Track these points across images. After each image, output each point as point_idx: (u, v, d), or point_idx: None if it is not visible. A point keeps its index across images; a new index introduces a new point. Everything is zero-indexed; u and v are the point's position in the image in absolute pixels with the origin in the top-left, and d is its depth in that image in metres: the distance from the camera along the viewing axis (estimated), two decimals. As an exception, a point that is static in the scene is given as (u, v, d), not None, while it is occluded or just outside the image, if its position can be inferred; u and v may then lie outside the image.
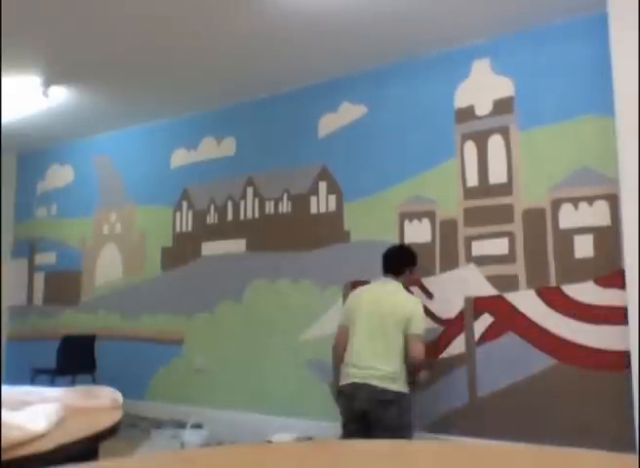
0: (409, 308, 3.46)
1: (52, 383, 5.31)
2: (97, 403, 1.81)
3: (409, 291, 3.78)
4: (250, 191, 5.23)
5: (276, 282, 4.96)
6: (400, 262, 3.72)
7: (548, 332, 3.79)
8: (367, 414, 3.35)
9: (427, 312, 3.90)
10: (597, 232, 3.72)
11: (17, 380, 5.92)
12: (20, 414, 1.44)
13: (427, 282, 4.25)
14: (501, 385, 3.88)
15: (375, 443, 1.34)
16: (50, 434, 1.43)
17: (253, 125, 5.31)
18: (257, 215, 5.17)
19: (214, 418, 4.96)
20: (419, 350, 3.40)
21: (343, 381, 3.45)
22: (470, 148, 4.22)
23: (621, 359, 3.51)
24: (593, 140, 3.79)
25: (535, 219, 3.93)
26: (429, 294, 4.13)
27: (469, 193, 4.19)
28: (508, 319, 3.93)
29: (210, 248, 5.41)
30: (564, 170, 3.87)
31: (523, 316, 3.88)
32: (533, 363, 3.80)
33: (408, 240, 4.36)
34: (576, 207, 3.80)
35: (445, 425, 4.05)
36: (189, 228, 5.58)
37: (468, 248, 4.13)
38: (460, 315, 4.10)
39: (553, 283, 3.82)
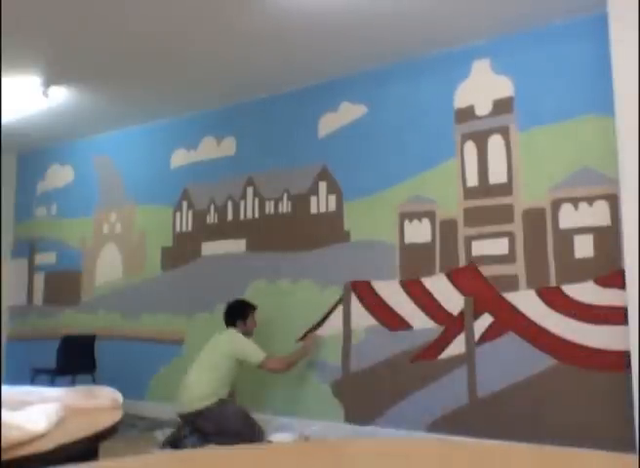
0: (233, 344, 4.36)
1: (52, 383, 5.30)
2: (97, 403, 1.81)
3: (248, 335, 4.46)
4: (250, 191, 5.23)
5: (276, 282, 4.96)
6: (232, 316, 4.52)
7: (548, 332, 3.79)
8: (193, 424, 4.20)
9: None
10: (597, 232, 3.72)
11: (17, 380, 5.92)
12: (20, 414, 1.44)
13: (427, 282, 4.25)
14: (501, 385, 3.88)
15: (375, 442, 1.35)
16: (50, 434, 1.43)
17: (253, 125, 5.31)
18: (257, 215, 5.17)
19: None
20: (273, 367, 4.39)
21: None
22: (470, 148, 4.22)
23: (621, 359, 3.51)
24: (593, 140, 3.79)
25: (535, 219, 3.93)
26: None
27: (469, 193, 4.19)
28: (508, 319, 3.93)
29: (210, 248, 5.41)
30: (564, 170, 3.87)
31: (523, 316, 3.88)
32: (533, 363, 3.80)
33: (408, 240, 4.37)
34: (576, 207, 3.80)
35: (445, 425, 4.05)
36: (189, 228, 5.58)
37: (468, 248, 4.13)
38: (460, 315, 4.10)
39: (553, 283, 3.82)
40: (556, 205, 3.87)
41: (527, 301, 3.88)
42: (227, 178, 5.37)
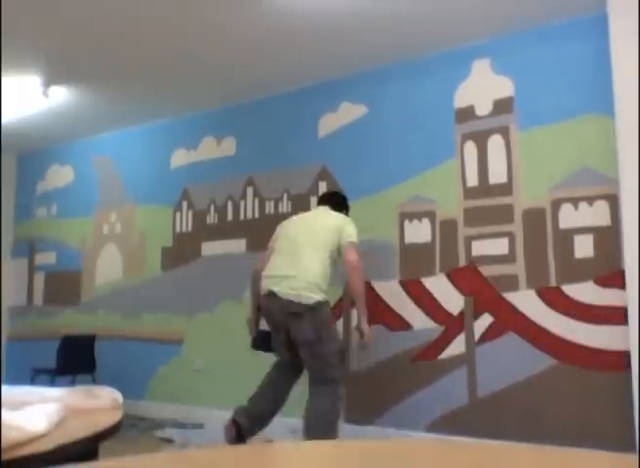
0: (339, 222, 3.67)
1: (52, 383, 5.31)
2: (97, 403, 1.80)
3: None
4: (250, 191, 5.23)
5: (276, 282, 4.95)
6: (335, 201, 3.94)
7: (548, 332, 3.79)
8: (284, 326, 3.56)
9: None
10: (597, 232, 3.72)
11: (17, 380, 5.92)
12: (19, 414, 1.44)
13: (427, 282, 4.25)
14: (501, 385, 3.88)
15: (374, 442, 1.34)
16: (50, 434, 1.42)
17: (253, 125, 5.31)
18: (257, 215, 5.17)
19: (214, 418, 4.96)
20: (352, 256, 3.56)
21: (263, 292, 3.63)
22: (470, 148, 4.22)
23: (621, 359, 3.51)
24: (593, 140, 3.79)
25: (535, 219, 3.93)
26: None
27: (469, 193, 4.19)
28: (508, 319, 3.93)
29: (210, 248, 5.41)
30: (564, 170, 3.87)
31: (523, 316, 3.88)
32: (533, 363, 3.80)
33: (408, 240, 4.37)
34: (576, 207, 3.80)
35: (445, 425, 4.05)
36: (189, 228, 5.58)
37: (468, 248, 4.13)
38: (460, 315, 4.10)
39: (553, 283, 3.82)
40: (556, 205, 3.87)
41: (527, 301, 3.88)
42: (227, 178, 5.37)
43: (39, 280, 6.70)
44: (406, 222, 4.40)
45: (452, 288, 4.15)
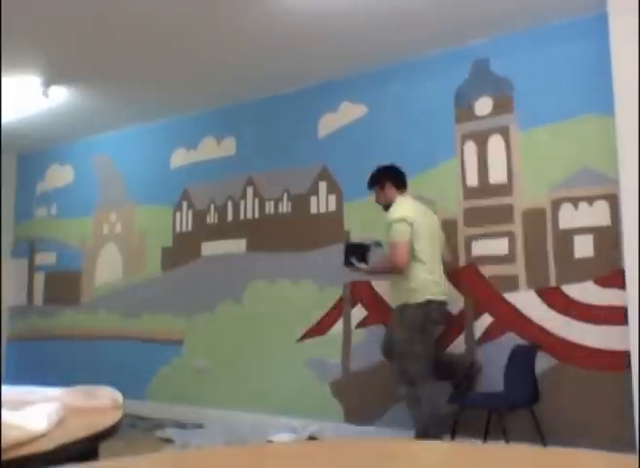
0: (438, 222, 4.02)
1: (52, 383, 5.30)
2: (97, 403, 1.80)
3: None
4: (250, 191, 5.22)
5: (276, 282, 4.96)
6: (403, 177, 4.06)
7: (548, 332, 3.79)
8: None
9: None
10: (597, 232, 3.72)
11: (17, 380, 5.91)
12: (20, 414, 1.44)
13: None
14: (501, 386, 3.88)
15: (375, 443, 1.34)
16: (50, 434, 1.42)
17: (253, 125, 5.30)
18: (257, 216, 5.16)
19: (214, 418, 4.95)
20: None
21: (428, 297, 3.73)
22: (470, 148, 4.21)
23: (621, 359, 3.51)
24: (593, 140, 3.78)
25: (535, 219, 3.93)
26: None
27: (469, 193, 4.19)
28: (508, 319, 3.93)
29: (210, 248, 5.41)
30: (564, 170, 3.86)
31: (523, 316, 3.88)
32: (533, 363, 3.79)
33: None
34: (576, 207, 3.80)
35: (445, 426, 4.04)
36: (189, 228, 5.58)
37: (468, 248, 4.13)
38: (460, 315, 4.09)
39: (553, 283, 3.82)
40: (556, 205, 3.87)
41: (527, 301, 3.88)
42: (227, 178, 5.36)
43: (39, 280, 6.70)
44: (406, 222, 4.39)
45: (452, 288, 4.14)
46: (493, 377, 3.91)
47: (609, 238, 3.67)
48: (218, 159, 5.48)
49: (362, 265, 3.99)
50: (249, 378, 5.00)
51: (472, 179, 4.18)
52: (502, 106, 4.13)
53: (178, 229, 5.66)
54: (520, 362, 3.71)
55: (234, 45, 4.32)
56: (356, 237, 4.57)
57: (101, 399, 1.83)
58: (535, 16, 3.93)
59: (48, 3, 3.70)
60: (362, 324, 4.49)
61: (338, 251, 4.65)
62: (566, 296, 3.77)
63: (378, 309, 4.41)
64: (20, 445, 1.30)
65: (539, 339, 3.80)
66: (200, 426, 4.89)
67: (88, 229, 6.35)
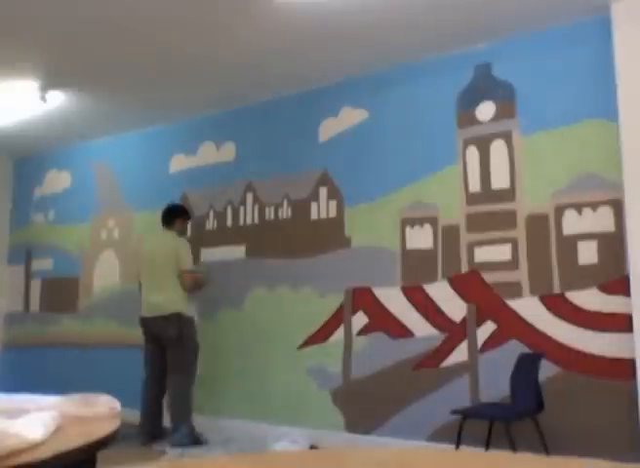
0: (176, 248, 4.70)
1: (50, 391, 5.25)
2: (94, 411, 1.77)
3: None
4: (249, 197, 5.19)
5: (276, 288, 4.92)
6: (172, 216, 4.92)
7: (552, 340, 3.75)
8: (158, 335, 4.70)
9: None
10: (601, 238, 3.69)
11: (13, 388, 5.86)
12: (17, 422, 1.42)
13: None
14: (504, 393, 3.84)
15: (375, 451, 1.31)
16: (47, 442, 1.40)
17: (252, 130, 5.28)
18: (256, 221, 5.13)
19: (213, 427, 4.90)
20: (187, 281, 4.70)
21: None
22: (472, 153, 4.19)
23: (626, 367, 3.47)
24: (597, 145, 3.76)
25: (538, 225, 3.90)
26: None
27: (472, 199, 4.16)
28: (511, 326, 3.89)
29: (209, 254, 5.37)
30: (567, 175, 3.84)
31: (526, 323, 3.85)
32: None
33: (409, 245, 4.33)
34: (579, 212, 3.77)
35: (447, 434, 4.00)
36: (188, 234, 5.54)
37: (471, 254, 4.10)
38: (463, 322, 4.06)
39: (557, 289, 3.79)
40: (559, 210, 3.84)
41: (530, 308, 3.84)
42: (227, 184, 5.33)
43: (36, 286, 6.65)
44: (407, 228, 4.37)
45: (454, 294, 4.11)
46: (497, 385, 3.87)
47: (613, 244, 3.64)
48: (217, 164, 5.45)
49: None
50: (249, 386, 4.95)
51: (475, 185, 4.16)
52: (505, 111, 4.11)
53: (176, 235, 5.61)
54: (524, 370, 3.67)
55: (233, 49, 4.31)
56: (357, 243, 4.54)
57: (99, 407, 1.80)
58: (537, 20, 3.91)
59: (46, 7, 3.68)
60: (363, 331, 4.45)
61: (338, 257, 4.63)
62: (570, 303, 3.73)
63: (379, 316, 4.38)
64: (16, 453, 1.29)
65: (542, 347, 3.76)
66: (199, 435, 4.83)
67: (85, 235, 6.31)
